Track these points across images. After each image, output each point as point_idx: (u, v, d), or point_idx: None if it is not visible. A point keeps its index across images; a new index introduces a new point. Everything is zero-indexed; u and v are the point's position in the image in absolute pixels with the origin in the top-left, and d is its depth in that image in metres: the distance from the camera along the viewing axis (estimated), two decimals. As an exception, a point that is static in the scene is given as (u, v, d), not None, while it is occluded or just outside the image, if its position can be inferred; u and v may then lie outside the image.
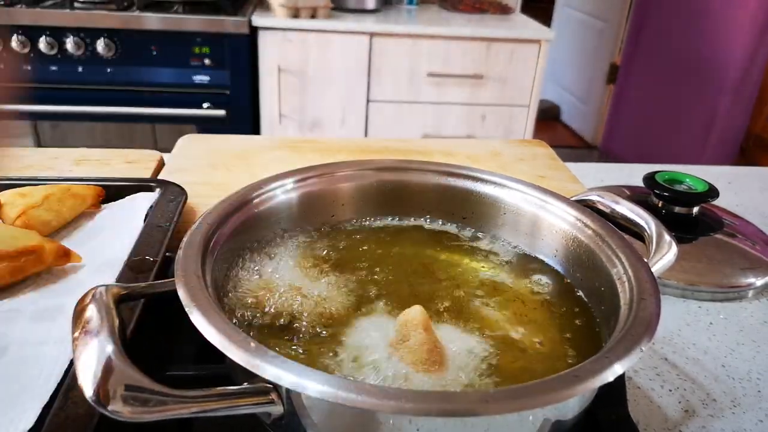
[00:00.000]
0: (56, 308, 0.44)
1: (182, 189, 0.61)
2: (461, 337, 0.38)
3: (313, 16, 1.89)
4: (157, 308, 0.42)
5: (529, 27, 2.07)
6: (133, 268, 0.47)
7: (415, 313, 0.36)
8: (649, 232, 0.44)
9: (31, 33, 1.73)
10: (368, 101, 1.99)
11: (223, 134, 0.89)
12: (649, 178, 0.66)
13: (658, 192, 0.65)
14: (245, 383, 0.30)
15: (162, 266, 0.48)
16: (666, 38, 2.74)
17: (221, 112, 1.85)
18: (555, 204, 0.47)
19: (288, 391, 0.29)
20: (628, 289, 0.37)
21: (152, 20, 1.75)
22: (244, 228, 0.43)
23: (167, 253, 0.50)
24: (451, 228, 0.51)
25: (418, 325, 0.35)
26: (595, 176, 0.84)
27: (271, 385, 0.30)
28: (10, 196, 0.54)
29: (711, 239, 0.64)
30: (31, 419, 0.34)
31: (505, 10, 2.25)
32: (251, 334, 0.37)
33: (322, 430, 0.31)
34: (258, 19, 1.83)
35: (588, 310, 0.42)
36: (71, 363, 0.37)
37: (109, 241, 0.53)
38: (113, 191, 0.60)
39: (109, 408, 0.27)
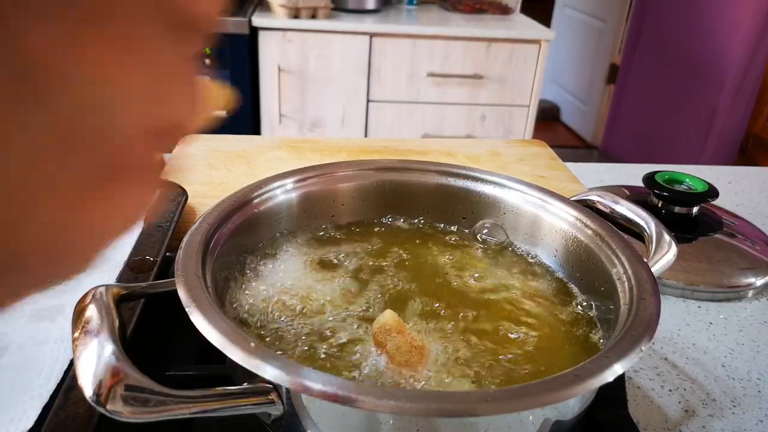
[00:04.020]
0: (56, 308, 0.44)
1: (182, 189, 0.61)
2: (457, 336, 0.38)
3: (313, 17, 1.89)
4: (157, 308, 0.42)
5: (529, 27, 2.07)
6: (134, 268, 0.47)
7: (387, 318, 0.36)
8: (648, 232, 0.44)
9: (31, 33, 1.73)
10: (368, 101, 1.99)
11: (223, 134, 0.89)
12: (649, 178, 0.66)
13: (657, 192, 0.65)
14: (245, 383, 0.30)
15: (162, 266, 0.48)
16: (666, 38, 2.74)
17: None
18: (555, 204, 0.47)
19: (288, 391, 0.29)
20: (627, 289, 0.37)
21: (152, 20, 1.75)
22: (244, 228, 0.43)
23: (167, 253, 0.50)
24: (451, 228, 0.51)
25: (391, 329, 0.35)
26: (594, 176, 0.84)
27: (271, 386, 0.30)
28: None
29: (711, 239, 0.64)
30: (31, 419, 0.34)
31: (505, 10, 2.25)
32: (251, 335, 0.37)
33: (322, 430, 0.31)
34: (258, 20, 1.83)
35: (588, 310, 0.42)
36: (71, 363, 0.37)
37: (109, 241, 0.53)
38: (113, 191, 0.60)
39: (109, 408, 0.27)
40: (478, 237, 0.49)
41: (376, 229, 0.50)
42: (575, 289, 0.44)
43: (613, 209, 0.47)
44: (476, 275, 0.45)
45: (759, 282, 0.59)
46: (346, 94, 1.97)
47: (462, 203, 0.51)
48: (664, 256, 0.42)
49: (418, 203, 0.51)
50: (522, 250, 0.48)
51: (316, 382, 0.27)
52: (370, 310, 0.40)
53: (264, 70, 1.90)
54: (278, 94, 1.93)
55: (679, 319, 0.56)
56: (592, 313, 0.42)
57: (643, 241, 0.44)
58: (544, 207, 0.47)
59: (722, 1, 2.41)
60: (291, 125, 2.00)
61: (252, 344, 0.29)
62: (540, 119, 2.41)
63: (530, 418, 0.31)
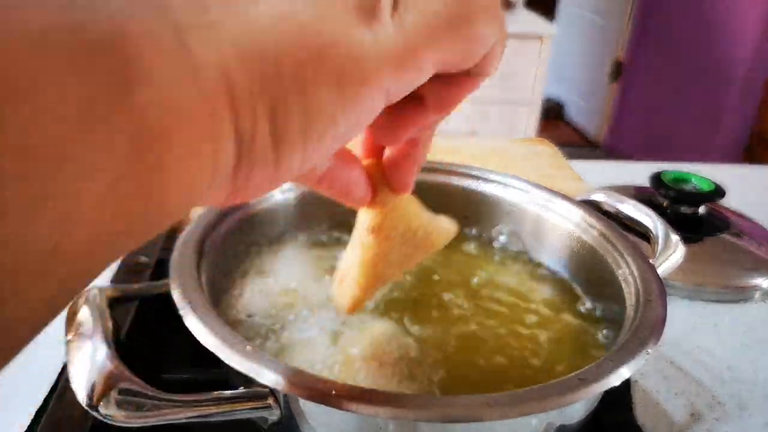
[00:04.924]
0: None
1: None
2: (457, 336, 0.38)
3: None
4: (151, 310, 0.41)
5: (532, 22, 2.06)
6: (127, 269, 0.47)
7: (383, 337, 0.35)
8: (654, 232, 0.43)
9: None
10: (370, 99, 1.99)
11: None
12: (655, 178, 0.65)
13: (663, 191, 0.64)
14: (242, 387, 0.30)
15: (156, 267, 0.48)
16: (671, 35, 2.72)
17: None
18: (559, 204, 0.46)
19: (285, 395, 0.29)
20: (633, 291, 0.37)
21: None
22: (240, 228, 0.42)
23: (162, 254, 0.49)
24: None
25: None
26: (599, 175, 0.84)
27: (267, 390, 0.29)
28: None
29: (717, 239, 0.63)
30: (24, 423, 0.33)
31: (508, 5, 2.24)
32: (247, 337, 0.37)
33: (320, 435, 0.30)
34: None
35: (593, 311, 0.41)
36: (64, 366, 0.37)
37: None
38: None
39: (103, 412, 0.27)
40: (493, 243, 0.49)
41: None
42: (580, 291, 0.44)
43: (619, 209, 0.47)
44: (477, 275, 0.44)
45: (766, 283, 0.58)
46: (349, 92, 1.96)
47: (464, 203, 0.50)
48: (671, 256, 0.41)
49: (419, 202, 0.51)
50: (525, 251, 0.48)
51: (314, 386, 0.27)
52: (371, 309, 0.40)
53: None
54: (280, 92, 1.93)
55: (685, 320, 0.55)
56: (597, 314, 0.41)
57: (649, 242, 0.43)
58: (548, 207, 0.46)
59: (727, -1, 2.39)
60: (293, 123, 1.99)
61: (248, 348, 0.28)
62: (544, 117, 2.40)
63: (534, 422, 0.31)
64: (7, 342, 0.12)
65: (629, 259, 0.39)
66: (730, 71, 2.37)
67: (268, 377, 0.27)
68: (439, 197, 0.50)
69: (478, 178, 0.49)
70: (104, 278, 0.46)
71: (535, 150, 0.87)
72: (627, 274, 0.38)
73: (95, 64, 0.12)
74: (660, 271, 0.38)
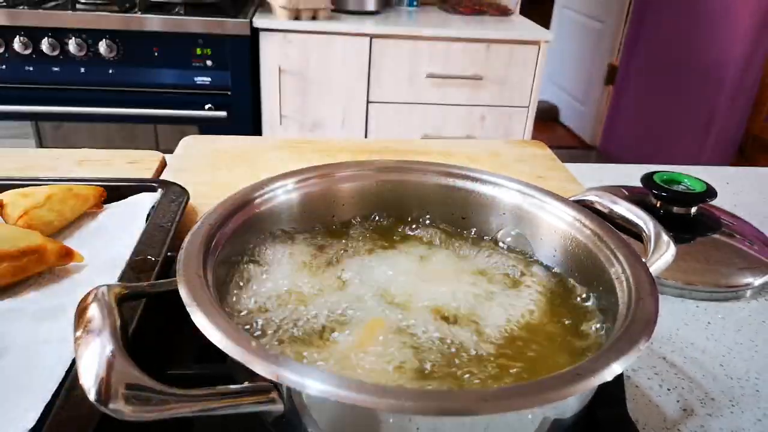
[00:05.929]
0: (58, 308, 0.44)
1: (184, 189, 0.62)
2: (452, 333, 0.39)
3: (313, 18, 1.90)
4: (158, 308, 0.42)
5: (528, 28, 2.07)
6: (135, 267, 0.47)
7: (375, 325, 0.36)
8: (647, 231, 0.44)
9: (34, 34, 1.73)
10: (368, 102, 1.99)
11: (224, 135, 0.89)
12: (647, 179, 0.66)
13: (656, 192, 0.65)
14: (246, 382, 0.30)
15: (164, 266, 0.49)
16: (664, 39, 2.74)
17: (222, 114, 1.85)
18: (553, 204, 0.47)
19: (288, 389, 0.30)
20: (626, 289, 0.38)
21: (154, 22, 1.75)
22: (245, 228, 0.43)
23: (169, 253, 0.50)
24: (450, 228, 0.51)
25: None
26: (593, 177, 0.85)
27: (271, 384, 0.30)
28: (12, 196, 0.55)
29: (709, 239, 0.64)
30: (32, 418, 0.34)
31: (504, 12, 2.25)
32: (253, 334, 0.37)
33: (323, 428, 0.31)
34: (259, 21, 1.83)
35: (586, 309, 0.42)
36: (73, 362, 0.38)
37: (111, 241, 0.53)
38: (115, 191, 0.61)
39: (111, 407, 0.27)
40: (489, 242, 0.49)
41: (376, 229, 0.50)
42: (574, 289, 0.45)
43: (612, 209, 0.48)
44: (475, 275, 0.45)
45: (757, 282, 0.59)
46: (347, 95, 1.97)
47: (461, 203, 0.51)
48: (663, 256, 0.42)
49: (418, 203, 0.52)
50: (521, 251, 0.49)
51: (316, 380, 0.27)
52: (365, 309, 0.40)
53: (265, 71, 1.90)
54: (279, 95, 1.94)
55: (678, 318, 0.56)
56: (591, 310, 0.42)
57: (642, 241, 0.44)
58: (543, 207, 0.47)
59: (721, 2, 2.41)
60: (292, 126, 2.00)
61: (253, 343, 0.29)
62: (539, 120, 2.40)
63: (529, 416, 0.31)
64: None
65: (622, 258, 0.40)
66: (722, 74, 2.38)
67: (271, 371, 0.28)
68: (438, 198, 0.51)
69: (475, 179, 0.50)
70: (112, 277, 0.47)
71: (530, 152, 0.89)
72: (620, 272, 0.39)
73: None
74: (652, 269, 0.39)
